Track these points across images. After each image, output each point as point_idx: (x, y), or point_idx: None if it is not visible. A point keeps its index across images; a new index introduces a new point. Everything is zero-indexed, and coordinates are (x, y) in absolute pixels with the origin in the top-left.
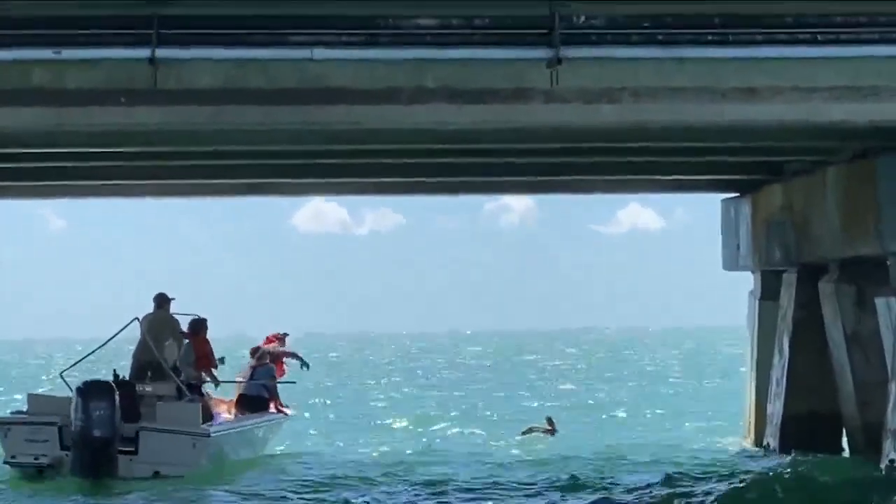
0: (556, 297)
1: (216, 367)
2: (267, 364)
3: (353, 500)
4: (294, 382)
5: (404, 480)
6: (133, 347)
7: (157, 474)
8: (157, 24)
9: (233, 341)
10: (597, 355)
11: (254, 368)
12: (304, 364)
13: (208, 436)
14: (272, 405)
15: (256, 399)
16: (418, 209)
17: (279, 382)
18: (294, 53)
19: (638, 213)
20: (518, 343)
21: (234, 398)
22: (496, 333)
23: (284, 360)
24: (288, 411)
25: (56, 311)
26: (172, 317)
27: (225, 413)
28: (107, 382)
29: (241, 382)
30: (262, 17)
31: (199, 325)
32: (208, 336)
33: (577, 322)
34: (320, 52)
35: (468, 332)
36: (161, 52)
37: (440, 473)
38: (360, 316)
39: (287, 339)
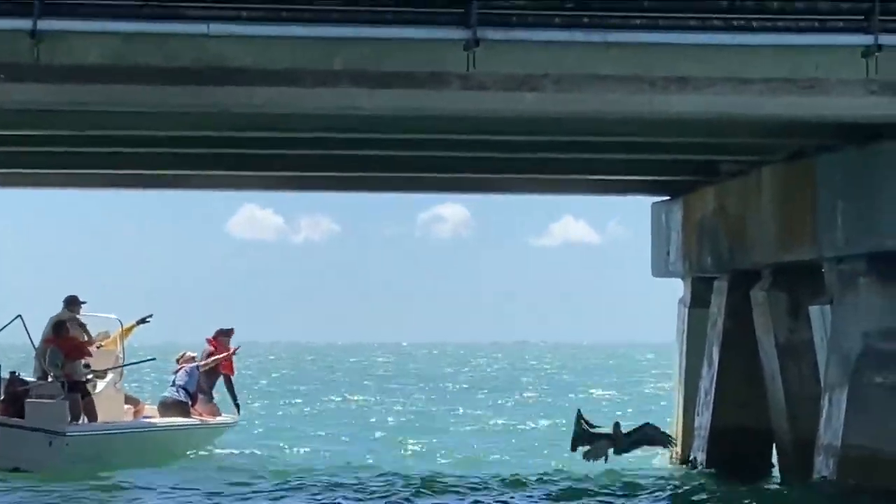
0: (490, 310)
1: (90, 355)
2: (185, 367)
3: None
4: (154, 359)
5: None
6: None
7: (17, 469)
8: None
9: (162, 349)
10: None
11: (175, 373)
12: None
13: (64, 434)
14: (195, 411)
15: (174, 404)
16: (353, 218)
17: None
18: (189, 28)
19: (571, 226)
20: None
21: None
22: (435, 345)
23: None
24: (222, 418)
25: None
26: (76, 319)
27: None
28: None
29: (117, 367)
30: None
31: (59, 327)
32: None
33: (511, 335)
34: (217, 28)
35: (404, 344)
36: (44, 24)
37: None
38: (296, 325)
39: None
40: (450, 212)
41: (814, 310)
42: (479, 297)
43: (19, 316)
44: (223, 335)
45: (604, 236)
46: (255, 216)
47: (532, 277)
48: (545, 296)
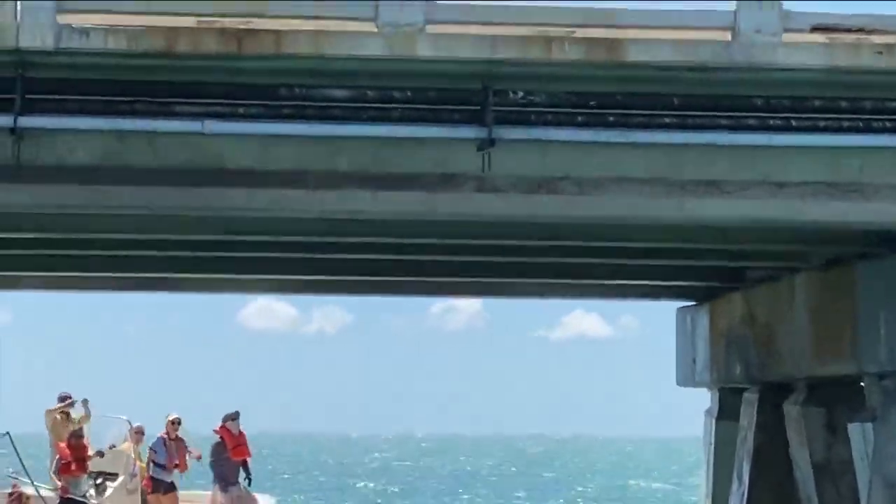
0: (503, 402)
1: (85, 471)
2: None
3: None
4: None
5: None
6: None
7: None
8: (20, 88)
9: None
10: None
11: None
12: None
13: None
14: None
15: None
16: (367, 308)
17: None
18: (182, 126)
19: (583, 319)
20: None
21: None
22: (448, 438)
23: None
24: None
25: None
26: (52, 416)
27: None
28: None
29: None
30: (145, 84)
31: (77, 436)
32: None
33: (526, 428)
34: (212, 125)
35: (419, 436)
36: (25, 121)
37: None
38: (309, 416)
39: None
40: (463, 303)
41: (854, 428)
42: (493, 389)
43: (7, 434)
44: (230, 420)
45: (616, 329)
46: (267, 307)
47: (545, 370)
48: (560, 388)
